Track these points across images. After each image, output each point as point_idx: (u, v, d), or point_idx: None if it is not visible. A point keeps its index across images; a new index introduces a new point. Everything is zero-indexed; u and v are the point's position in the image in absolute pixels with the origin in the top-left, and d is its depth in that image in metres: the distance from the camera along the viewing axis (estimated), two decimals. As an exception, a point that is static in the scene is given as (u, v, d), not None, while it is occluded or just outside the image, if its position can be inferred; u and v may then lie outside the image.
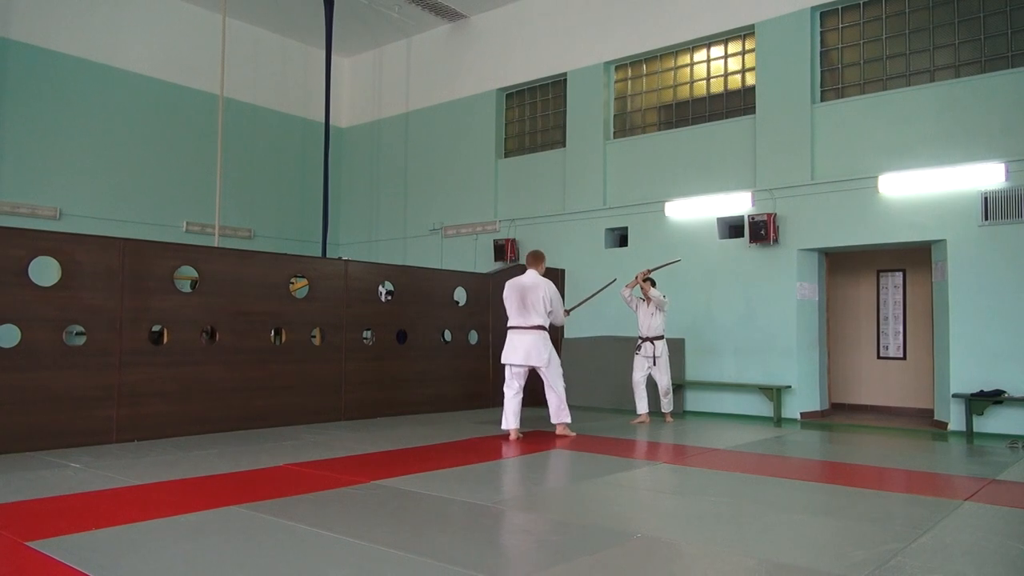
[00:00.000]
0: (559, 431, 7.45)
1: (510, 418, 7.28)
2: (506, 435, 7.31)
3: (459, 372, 10.20)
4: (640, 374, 8.81)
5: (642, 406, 8.80)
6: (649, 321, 8.81)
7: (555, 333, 11.56)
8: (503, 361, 7.38)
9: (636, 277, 8.93)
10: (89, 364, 6.64)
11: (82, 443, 6.50)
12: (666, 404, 8.99)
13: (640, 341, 8.88)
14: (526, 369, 7.36)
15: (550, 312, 7.34)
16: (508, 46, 12.98)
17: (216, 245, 10.33)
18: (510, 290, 7.39)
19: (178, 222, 12.70)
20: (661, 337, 8.83)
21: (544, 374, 7.33)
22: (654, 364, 8.75)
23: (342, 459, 6.08)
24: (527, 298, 7.26)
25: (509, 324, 7.39)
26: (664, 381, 8.85)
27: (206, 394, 7.46)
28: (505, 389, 7.37)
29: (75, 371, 6.54)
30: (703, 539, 3.81)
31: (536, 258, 7.57)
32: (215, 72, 11.98)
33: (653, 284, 8.89)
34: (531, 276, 7.41)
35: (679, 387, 10.41)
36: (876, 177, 9.05)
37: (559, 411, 7.37)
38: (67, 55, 11.62)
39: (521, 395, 7.34)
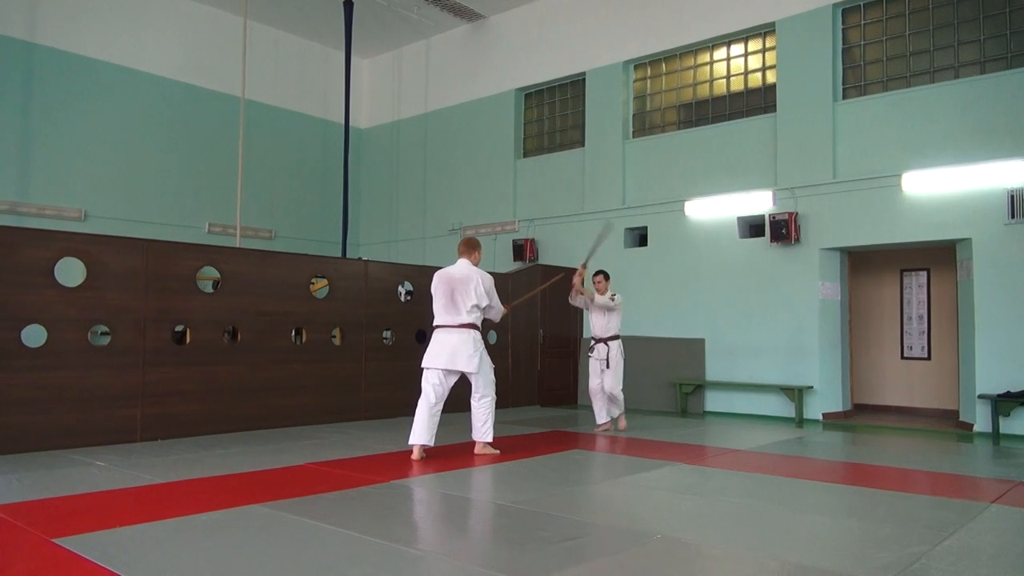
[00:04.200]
0: (478, 449, 6.40)
1: (420, 431, 6.07)
2: (410, 451, 6.17)
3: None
4: (596, 380, 8.09)
5: (602, 415, 8.12)
6: (599, 320, 8.06)
7: (570, 330, 11.52)
8: (423, 365, 6.23)
9: (572, 284, 7.96)
10: (114, 364, 6.73)
11: (107, 442, 6.59)
12: (614, 410, 8.14)
13: (593, 342, 8.15)
14: (452, 375, 6.26)
15: (485, 308, 6.31)
16: (527, 46, 12.98)
17: (238, 246, 10.42)
18: (438, 282, 6.32)
19: (200, 223, 12.83)
20: (616, 337, 8.07)
21: (473, 381, 6.31)
22: (607, 366, 7.96)
23: (362, 458, 6.11)
24: (456, 292, 6.21)
25: (435, 322, 6.29)
26: (609, 384, 7.96)
27: (228, 393, 7.53)
28: (422, 399, 6.15)
29: (100, 371, 6.63)
30: (724, 540, 3.78)
31: (469, 246, 6.49)
32: (236, 74, 12.09)
33: (607, 277, 8.13)
34: (463, 267, 6.35)
35: (699, 387, 10.36)
36: (899, 175, 8.94)
37: (483, 427, 6.36)
38: (91, 59, 11.77)
39: (441, 408, 6.23)
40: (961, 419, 8.90)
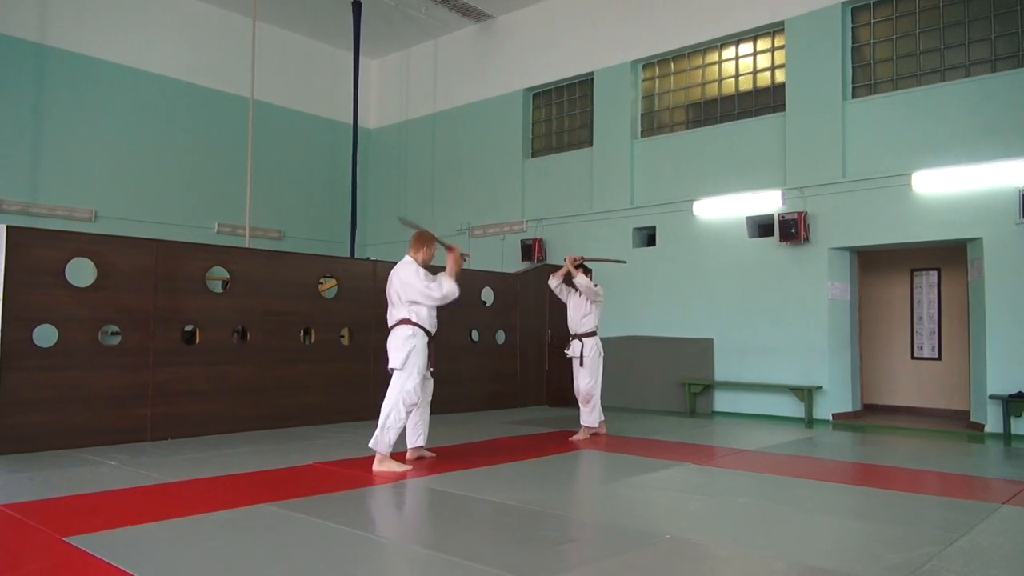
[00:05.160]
0: (375, 464, 5.57)
1: (406, 435, 5.88)
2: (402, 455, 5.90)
3: (486, 372, 10.22)
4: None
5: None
6: (575, 315, 7.54)
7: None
8: None
9: (566, 261, 7.61)
10: (124, 363, 6.77)
11: (117, 441, 6.62)
12: (586, 415, 7.42)
13: (569, 339, 7.65)
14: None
15: (415, 300, 5.75)
16: (534, 46, 12.97)
17: (247, 246, 10.46)
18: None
19: (209, 223, 12.87)
20: (591, 334, 7.51)
21: (392, 379, 5.72)
22: (580, 364, 7.43)
23: (371, 458, 6.10)
24: (391, 289, 5.90)
25: None
26: (583, 384, 7.39)
27: (237, 393, 7.56)
28: None
29: (110, 370, 6.67)
30: (733, 541, 3.77)
31: (416, 240, 6.05)
32: (245, 75, 12.12)
33: (587, 272, 7.60)
34: (401, 262, 5.98)
35: (708, 387, 10.33)
36: (910, 174, 8.89)
37: (375, 434, 5.59)
38: (101, 60, 11.82)
39: (421, 408, 5.95)
40: (972, 420, 8.85)
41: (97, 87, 11.78)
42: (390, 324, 5.85)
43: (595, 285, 7.51)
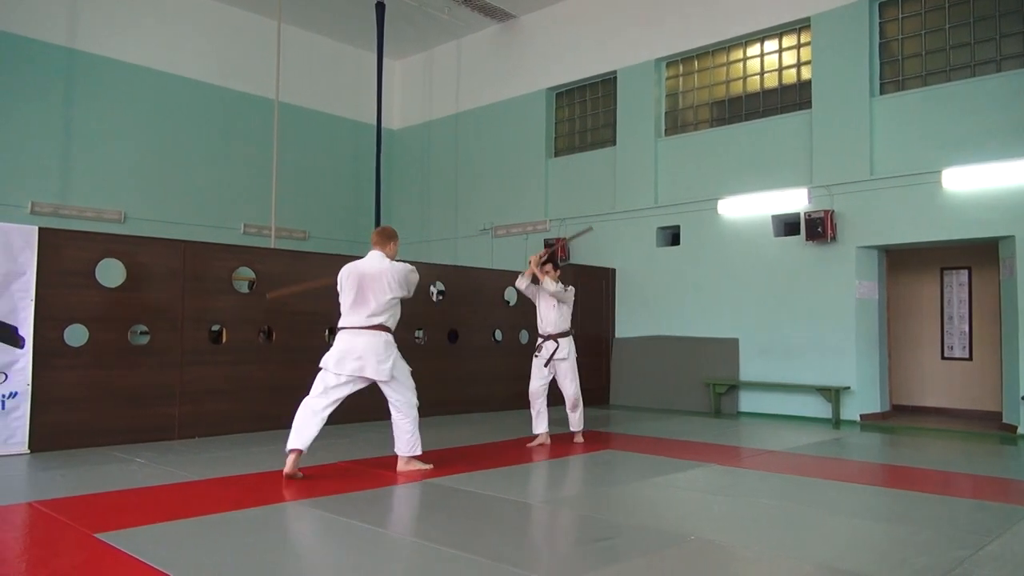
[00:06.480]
0: (401, 466, 5.56)
1: (296, 437, 5.28)
2: (289, 456, 5.29)
3: (510, 372, 10.19)
4: (539, 383, 7.02)
5: (540, 424, 6.99)
6: (550, 314, 7.04)
7: (602, 335, 11.45)
8: (323, 365, 5.43)
9: (530, 263, 7.02)
10: (152, 363, 6.86)
11: (146, 439, 6.72)
12: (575, 420, 7.19)
13: (540, 340, 7.11)
14: (358, 383, 5.48)
15: (397, 298, 5.57)
16: (557, 45, 12.96)
17: (272, 246, 10.55)
18: (345, 277, 5.52)
19: (236, 224, 13.02)
20: (566, 334, 7.08)
21: (388, 391, 5.57)
22: (557, 368, 7.04)
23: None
24: (366, 289, 5.44)
25: (340, 323, 5.51)
26: (571, 389, 7.05)
27: (264, 392, 7.63)
28: (311, 400, 5.36)
29: (139, 370, 6.77)
30: (759, 543, 3.74)
31: (383, 235, 5.70)
32: (271, 77, 12.23)
33: (556, 267, 7.13)
34: (374, 260, 5.58)
35: (733, 387, 10.25)
36: (939, 172, 8.75)
37: (410, 440, 5.59)
38: (130, 64, 12.01)
39: (328, 415, 5.42)
40: (1004, 421, 8.69)
41: (126, 90, 11.96)
42: (359, 324, 5.41)
43: (565, 289, 7.07)
